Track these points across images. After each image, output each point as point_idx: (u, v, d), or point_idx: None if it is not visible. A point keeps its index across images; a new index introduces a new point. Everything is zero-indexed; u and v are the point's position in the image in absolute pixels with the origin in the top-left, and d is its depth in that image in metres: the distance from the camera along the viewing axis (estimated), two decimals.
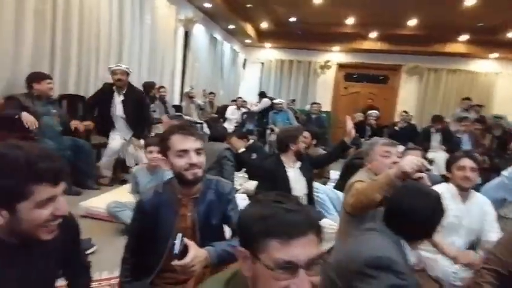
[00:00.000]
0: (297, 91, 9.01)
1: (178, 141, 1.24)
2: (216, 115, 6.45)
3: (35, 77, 2.91)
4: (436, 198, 1.24)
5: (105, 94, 3.54)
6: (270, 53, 9.33)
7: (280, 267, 0.66)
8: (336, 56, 8.93)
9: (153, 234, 1.30)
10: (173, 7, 5.44)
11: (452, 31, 7.31)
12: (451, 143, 5.22)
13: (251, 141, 3.84)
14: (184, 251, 1.07)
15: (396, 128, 5.97)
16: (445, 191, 1.90)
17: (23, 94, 2.86)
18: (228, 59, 8.09)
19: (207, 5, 6.01)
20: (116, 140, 3.53)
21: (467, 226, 1.90)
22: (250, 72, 9.39)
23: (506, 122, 6.22)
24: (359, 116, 6.31)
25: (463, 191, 1.93)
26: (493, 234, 1.86)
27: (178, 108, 5.48)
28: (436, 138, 5.37)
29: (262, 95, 7.38)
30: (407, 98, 8.07)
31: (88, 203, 2.77)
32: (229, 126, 6.28)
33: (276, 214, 0.68)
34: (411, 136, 5.64)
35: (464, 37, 7.42)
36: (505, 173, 2.47)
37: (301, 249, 0.66)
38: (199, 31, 6.45)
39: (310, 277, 0.67)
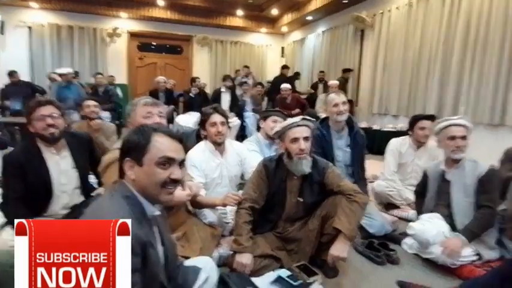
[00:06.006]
0: (84, 62, 7.85)
1: None
2: None
3: None
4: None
5: None
6: (39, 15, 7.57)
7: None
8: (125, 23, 8.25)
9: None
10: None
11: (230, 6, 8.14)
12: (236, 106, 5.97)
13: None
14: None
15: (191, 95, 6.22)
16: (203, 147, 2.12)
17: None
18: None
19: None
20: None
21: (227, 175, 2.17)
22: (14, 39, 7.36)
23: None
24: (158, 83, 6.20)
25: (219, 146, 2.14)
26: None
27: None
28: (225, 98, 5.97)
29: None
30: (201, 67, 8.56)
31: None
32: None
33: None
34: (203, 101, 6.04)
35: (240, 12, 8.41)
36: None
37: None
38: None
39: None
